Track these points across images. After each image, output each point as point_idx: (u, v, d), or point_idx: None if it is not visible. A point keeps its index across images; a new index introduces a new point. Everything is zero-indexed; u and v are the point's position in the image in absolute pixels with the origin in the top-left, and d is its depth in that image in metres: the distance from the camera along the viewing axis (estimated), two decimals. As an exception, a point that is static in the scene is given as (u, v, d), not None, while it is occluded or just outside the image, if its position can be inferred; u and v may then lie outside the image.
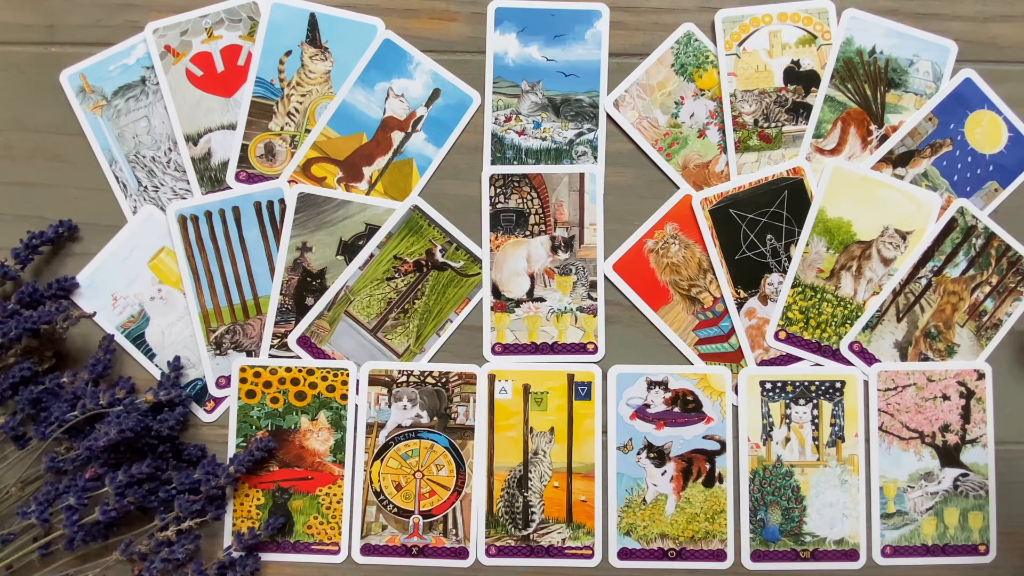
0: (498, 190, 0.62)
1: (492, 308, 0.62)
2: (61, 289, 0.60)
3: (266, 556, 0.60)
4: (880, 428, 0.60)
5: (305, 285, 0.62)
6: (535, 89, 0.62)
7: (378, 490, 0.60)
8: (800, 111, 0.62)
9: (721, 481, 0.60)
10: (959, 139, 0.62)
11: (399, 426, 0.61)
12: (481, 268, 0.62)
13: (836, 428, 0.60)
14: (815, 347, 0.61)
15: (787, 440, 0.60)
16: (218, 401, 0.61)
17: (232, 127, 0.62)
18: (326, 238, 0.62)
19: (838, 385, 0.60)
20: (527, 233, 0.62)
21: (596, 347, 0.61)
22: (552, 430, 0.61)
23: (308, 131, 0.62)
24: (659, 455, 0.60)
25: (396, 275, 0.62)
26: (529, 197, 0.62)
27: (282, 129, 0.62)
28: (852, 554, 0.60)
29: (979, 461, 0.60)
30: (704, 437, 0.60)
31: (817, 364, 0.61)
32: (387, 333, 0.61)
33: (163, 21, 0.62)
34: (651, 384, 0.61)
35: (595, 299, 0.61)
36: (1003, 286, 0.61)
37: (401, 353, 0.61)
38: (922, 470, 0.60)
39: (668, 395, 0.61)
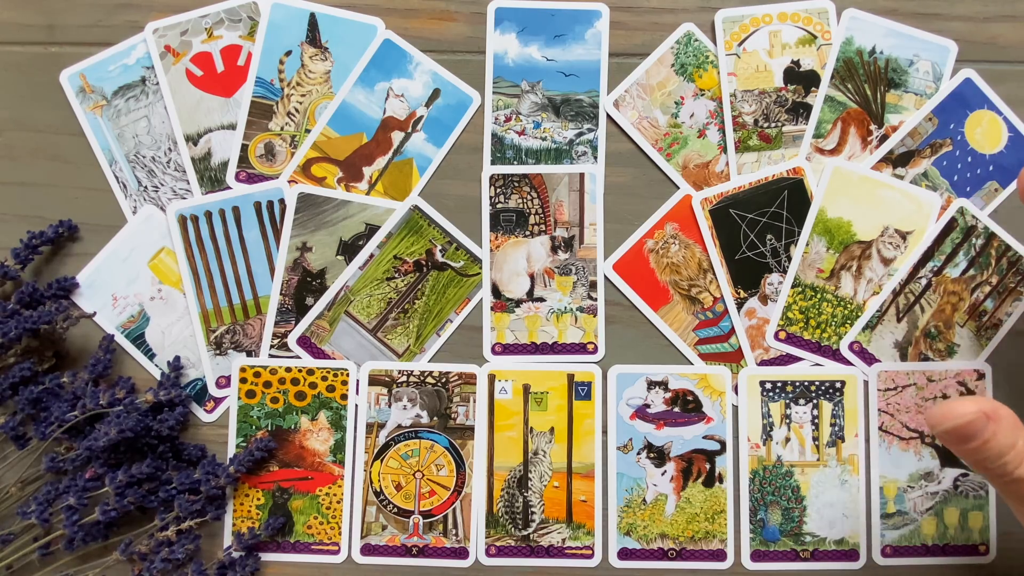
0: (498, 190, 0.62)
1: (492, 308, 0.62)
2: (61, 289, 0.60)
3: (266, 556, 0.60)
4: (880, 428, 0.60)
5: (305, 285, 0.62)
6: (535, 89, 0.62)
7: (378, 490, 0.60)
8: (800, 111, 0.62)
9: (721, 481, 0.60)
10: (959, 139, 0.62)
11: (399, 426, 0.61)
12: (481, 268, 0.62)
13: (836, 428, 0.60)
14: (815, 347, 0.61)
15: (787, 440, 0.60)
16: (218, 401, 0.61)
17: (232, 127, 0.62)
18: (326, 238, 0.62)
19: (838, 385, 0.61)
20: (527, 233, 0.62)
21: (596, 347, 0.61)
22: (552, 430, 0.61)
23: (308, 131, 0.62)
24: (659, 455, 0.60)
25: (396, 275, 0.62)
26: (529, 197, 0.62)
27: (282, 129, 0.62)
28: (852, 554, 0.60)
29: (979, 461, 0.60)
30: (704, 437, 0.60)
31: (817, 364, 0.61)
32: (387, 333, 0.61)
33: (163, 21, 0.62)
34: (651, 384, 0.61)
35: (595, 299, 0.61)
36: (1003, 286, 0.61)
37: (401, 353, 0.61)
38: (922, 470, 0.60)
39: (668, 395, 0.61)
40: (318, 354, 0.61)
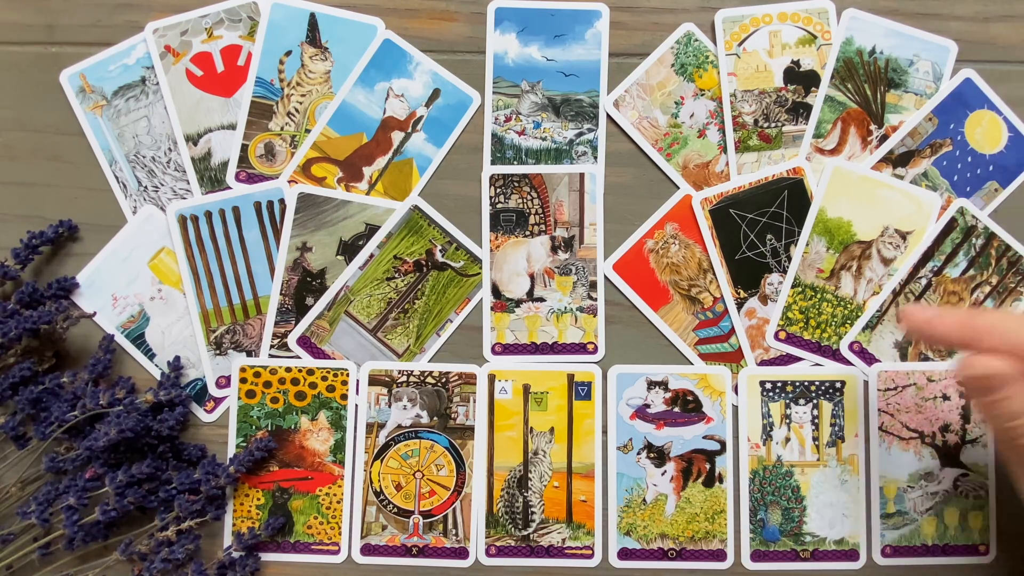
0: (498, 190, 0.62)
1: (492, 308, 0.62)
2: (61, 289, 0.60)
3: (266, 556, 0.60)
4: (880, 428, 0.60)
5: (305, 285, 0.62)
6: (535, 89, 0.62)
7: (378, 490, 0.60)
8: (800, 111, 0.62)
9: (721, 481, 0.60)
10: (959, 139, 0.62)
11: (399, 426, 0.61)
12: (481, 268, 0.62)
13: (836, 428, 0.60)
14: (815, 347, 0.61)
15: (787, 440, 0.60)
16: (218, 401, 0.61)
17: (232, 127, 0.62)
18: (326, 238, 0.62)
19: (838, 385, 0.61)
20: (527, 233, 0.62)
21: (596, 347, 0.61)
22: (552, 430, 0.61)
23: (308, 131, 0.62)
24: (659, 455, 0.60)
25: (396, 275, 0.62)
26: (529, 197, 0.62)
27: (282, 129, 0.62)
28: (852, 554, 0.60)
29: (979, 461, 0.60)
30: (704, 437, 0.60)
31: (817, 364, 0.61)
32: (387, 333, 0.61)
33: (163, 21, 0.62)
34: (651, 384, 0.61)
35: (595, 299, 0.61)
36: (1003, 286, 0.61)
37: (401, 353, 0.61)
38: (922, 470, 0.60)
39: (668, 395, 0.61)
40: (318, 354, 0.61)
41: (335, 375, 0.61)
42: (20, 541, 0.57)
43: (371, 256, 0.62)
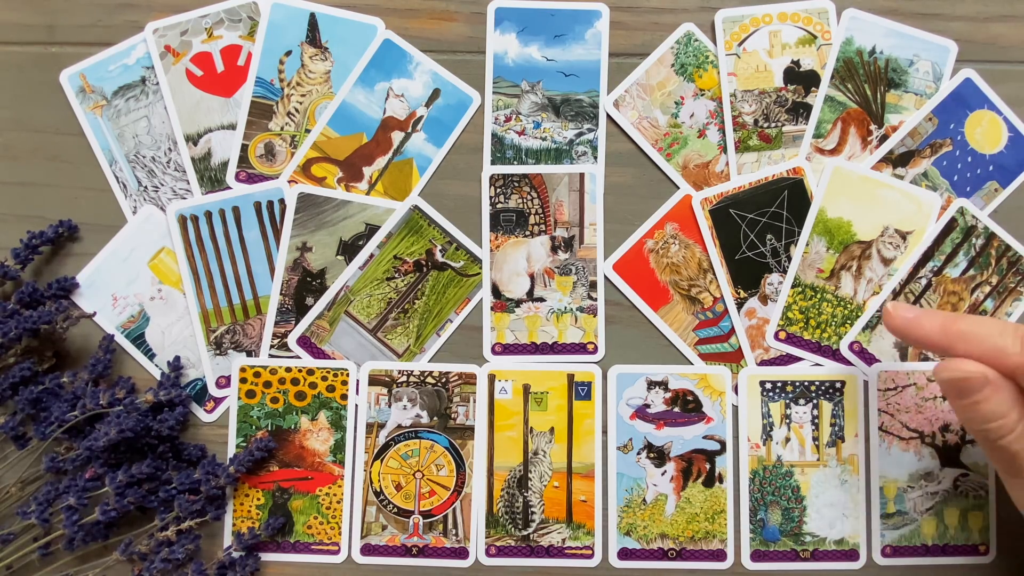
0: (498, 190, 0.62)
1: (492, 308, 0.62)
2: (61, 289, 0.60)
3: (266, 556, 0.60)
4: (880, 428, 0.60)
5: (305, 285, 0.62)
6: (535, 89, 0.62)
7: (378, 490, 0.60)
8: (800, 111, 0.62)
9: (721, 481, 0.60)
10: (959, 139, 0.62)
11: (399, 426, 0.61)
12: (481, 268, 0.62)
13: (836, 428, 0.60)
14: (815, 347, 0.61)
15: (787, 440, 0.60)
16: (218, 401, 0.61)
17: (232, 127, 0.62)
18: (326, 238, 0.62)
19: (838, 385, 0.61)
20: (527, 233, 0.62)
21: (596, 347, 0.61)
22: (552, 430, 0.61)
23: (308, 131, 0.62)
24: (659, 455, 0.60)
25: (396, 275, 0.62)
26: (529, 197, 0.62)
27: (282, 129, 0.62)
28: (852, 554, 0.60)
29: (979, 461, 0.60)
30: (704, 437, 0.60)
31: (817, 364, 0.61)
32: (387, 333, 0.61)
33: (163, 21, 0.62)
34: (651, 384, 0.61)
35: (595, 299, 0.61)
36: (1003, 286, 0.61)
37: (401, 353, 0.61)
38: (922, 470, 0.60)
39: (668, 395, 0.61)
40: (318, 354, 0.61)
41: (335, 375, 0.61)
42: (20, 541, 0.57)
43: (371, 256, 0.62)
